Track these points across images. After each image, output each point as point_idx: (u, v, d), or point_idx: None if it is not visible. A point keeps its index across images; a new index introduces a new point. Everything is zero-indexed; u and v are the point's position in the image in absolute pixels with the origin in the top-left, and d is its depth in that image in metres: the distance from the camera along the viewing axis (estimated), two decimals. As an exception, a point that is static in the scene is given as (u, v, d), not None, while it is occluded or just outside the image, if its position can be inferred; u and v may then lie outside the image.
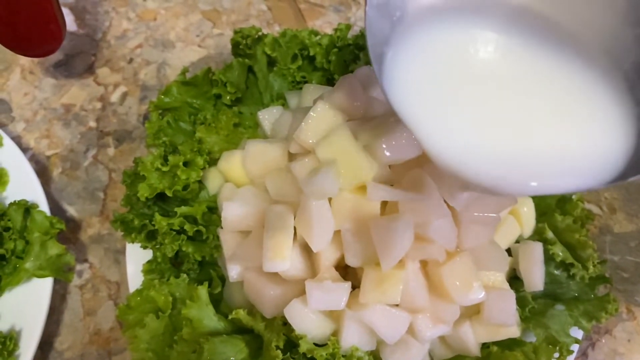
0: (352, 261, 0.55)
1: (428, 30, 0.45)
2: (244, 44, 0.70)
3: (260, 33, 0.71)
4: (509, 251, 0.64)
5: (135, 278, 0.63)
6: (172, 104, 0.69)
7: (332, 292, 0.54)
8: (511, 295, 0.58)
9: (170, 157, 0.63)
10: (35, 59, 0.86)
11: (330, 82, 0.72)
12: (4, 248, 0.65)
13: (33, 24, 0.69)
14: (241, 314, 0.56)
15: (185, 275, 0.61)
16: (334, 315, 0.56)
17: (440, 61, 0.45)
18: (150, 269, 0.62)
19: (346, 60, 0.72)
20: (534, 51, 0.46)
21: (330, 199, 0.55)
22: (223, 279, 0.62)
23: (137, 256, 0.63)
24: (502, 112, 0.43)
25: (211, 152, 0.66)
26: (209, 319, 0.57)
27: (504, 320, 0.57)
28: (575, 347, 0.60)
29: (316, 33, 0.74)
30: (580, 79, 0.45)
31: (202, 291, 0.57)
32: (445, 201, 0.54)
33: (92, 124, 0.82)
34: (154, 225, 0.61)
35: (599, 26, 0.45)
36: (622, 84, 0.44)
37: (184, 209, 0.63)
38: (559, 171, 0.41)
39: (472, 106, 0.43)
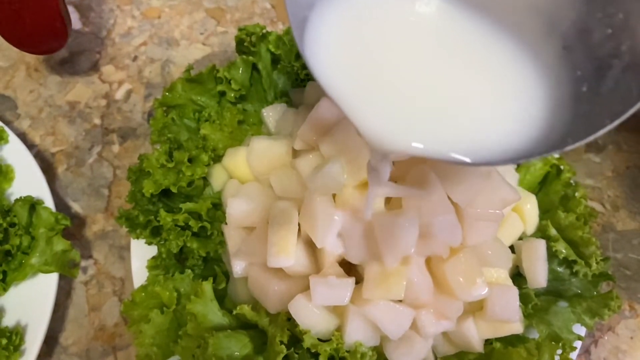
0: (355, 257, 0.55)
1: None
2: (248, 42, 0.71)
3: (264, 31, 0.71)
4: (512, 248, 0.64)
5: (140, 274, 0.63)
6: (176, 101, 0.70)
7: (336, 288, 0.54)
8: (514, 291, 0.58)
9: (175, 154, 0.64)
10: (41, 57, 0.87)
11: (334, 79, 0.72)
12: (10, 244, 0.65)
13: (38, 21, 0.70)
14: (245, 310, 0.56)
15: (189, 271, 0.61)
16: (338, 311, 0.56)
17: (364, 22, 0.44)
18: (155, 264, 0.62)
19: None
20: (466, 16, 0.44)
21: (334, 195, 0.56)
22: (227, 274, 0.63)
23: (141, 252, 0.64)
24: (416, 73, 0.42)
25: (216, 149, 0.67)
26: (214, 314, 0.57)
27: (507, 317, 0.57)
28: (578, 344, 0.61)
29: (320, 31, 0.74)
30: (506, 47, 0.43)
31: (207, 287, 0.58)
32: (449, 197, 0.54)
33: (97, 121, 0.82)
34: (158, 221, 0.62)
35: None
36: (555, 50, 0.42)
37: (188, 205, 0.63)
38: (454, 138, 0.40)
39: (389, 68, 0.42)
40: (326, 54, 0.41)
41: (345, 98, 0.40)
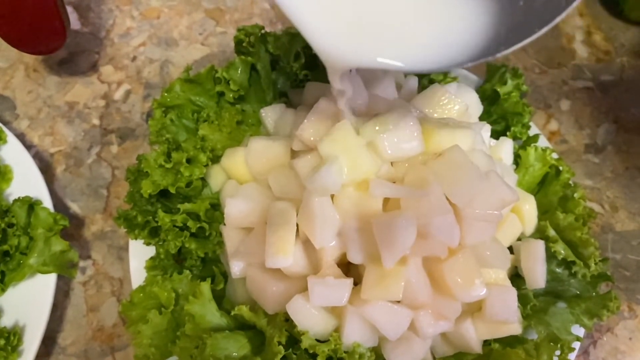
0: (354, 257, 0.55)
1: None
2: (247, 42, 0.71)
3: (263, 31, 0.71)
4: (510, 249, 0.64)
5: (138, 274, 0.63)
6: (175, 102, 0.70)
7: (334, 288, 0.54)
8: (513, 292, 0.58)
9: (173, 154, 0.63)
10: (39, 57, 0.87)
11: (333, 80, 0.72)
12: (8, 244, 0.65)
13: (37, 21, 0.70)
14: (244, 310, 0.56)
15: (188, 272, 0.61)
16: (336, 312, 0.56)
17: None
18: (153, 265, 0.62)
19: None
20: None
21: (332, 196, 0.56)
22: (226, 275, 0.63)
23: (140, 253, 0.64)
24: None
25: (214, 150, 0.67)
26: (212, 315, 0.57)
27: (506, 317, 0.57)
28: (576, 345, 0.60)
29: (319, 31, 0.74)
30: None
31: (205, 287, 0.58)
32: (447, 198, 0.54)
33: (96, 121, 0.82)
34: (157, 221, 0.62)
35: None
36: None
37: (187, 206, 0.63)
38: (404, 48, 0.44)
39: None
40: None
41: (300, 14, 0.44)
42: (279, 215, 0.56)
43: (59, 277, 0.67)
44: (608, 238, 0.77)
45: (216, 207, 0.66)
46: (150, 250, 0.63)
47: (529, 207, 0.65)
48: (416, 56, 0.44)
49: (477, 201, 0.55)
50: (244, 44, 0.71)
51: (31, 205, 0.67)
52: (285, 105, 0.70)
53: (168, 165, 0.63)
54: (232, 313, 0.57)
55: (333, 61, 0.47)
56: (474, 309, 0.59)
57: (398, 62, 0.44)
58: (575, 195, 0.67)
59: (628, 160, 0.83)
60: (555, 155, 0.70)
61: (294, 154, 0.62)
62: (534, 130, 0.74)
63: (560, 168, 0.69)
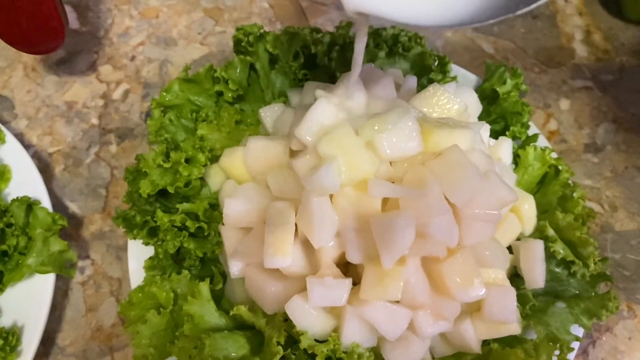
0: (353, 257, 0.55)
1: None
2: (246, 42, 0.71)
3: (262, 30, 0.71)
4: (510, 249, 0.64)
5: (137, 274, 0.63)
6: (174, 101, 0.70)
7: (333, 289, 0.54)
8: (512, 292, 0.58)
9: (172, 154, 0.63)
10: (38, 57, 0.87)
11: (332, 79, 0.72)
12: (7, 244, 0.65)
13: (35, 21, 0.70)
14: (242, 310, 0.56)
15: (186, 272, 0.61)
16: (335, 312, 0.56)
17: None
18: (151, 265, 0.62)
19: (348, 57, 0.72)
20: None
21: (331, 196, 0.56)
22: (224, 275, 0.63)
23: (138, 252, 0.64)
24: None
25: (213, 149, 0.66)
26: (211, 315, 0.57)
27: (505, 317, 0.57)
28: (576, 345, 0.60)
29: (318, 31, 0.74)
30: None
31: (204, 287, 0.58)
32: (446, 198, 0.54)
33: (95, 121, 0.82)
34: (155, 221, 0.61)
35: None
36: None
37: (185, 206, 0.63)
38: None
39: None
40: None
41: None
42: (277, 215, 0.56)
43: (58, 277, 0.67)
44: (607, 238, 0.77)
45: (215, 207, 0.66)
46: (149, 250, 0.63)
47: (528, 206, 0.65)
48: (430, 10, 0.44)
49: (476, 201, 0.55)
50: (243, 44, 0.71)
51: (30, 205, 0.67)
52: (284, 104, 0.70)
53: (167, 165, 0.63)
54: (231, 313, 0.57)
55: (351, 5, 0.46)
56: (473, 309, 0.59)
57: (415, 16, 0.44)
58: (575, 194, 0.67)
59: (627, 159, 0.83)
60: (554, 155, 0.70)
61: (292, 154, 0.62)
62: (533, 129, 0.74)
63: (560, 168, 0.69)
